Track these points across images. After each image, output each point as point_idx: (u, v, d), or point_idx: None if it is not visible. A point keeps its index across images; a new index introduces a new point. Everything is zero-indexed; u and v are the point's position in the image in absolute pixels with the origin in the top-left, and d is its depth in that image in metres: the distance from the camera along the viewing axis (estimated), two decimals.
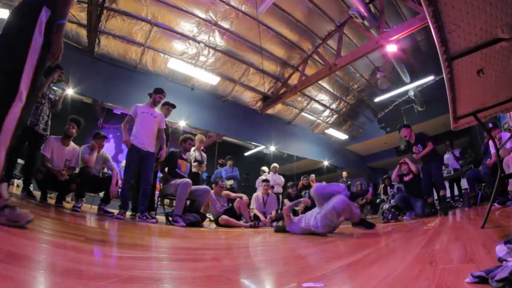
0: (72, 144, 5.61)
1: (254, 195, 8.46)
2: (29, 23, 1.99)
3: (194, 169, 7.19)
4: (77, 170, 5.66)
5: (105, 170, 6.56)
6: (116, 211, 5.38)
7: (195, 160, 7.30)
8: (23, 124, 2.04)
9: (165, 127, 5.93)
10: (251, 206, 8.08)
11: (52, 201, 5.60)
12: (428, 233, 3.13)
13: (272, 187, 9.53)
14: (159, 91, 5.87)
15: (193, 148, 7.30)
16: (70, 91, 8.69)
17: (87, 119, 5.85)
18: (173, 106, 6.53)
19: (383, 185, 10.58)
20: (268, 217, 7.76)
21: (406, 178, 7.42)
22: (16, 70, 1.91)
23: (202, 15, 9.50)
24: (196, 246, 2.77)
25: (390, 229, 4.66)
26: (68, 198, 6.99)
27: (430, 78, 11.65)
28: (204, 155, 7.76)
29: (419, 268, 1.32)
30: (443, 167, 8.43)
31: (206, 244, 2.96)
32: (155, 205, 6.63)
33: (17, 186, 7.00)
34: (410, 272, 1.29)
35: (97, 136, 5.87)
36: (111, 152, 12.91)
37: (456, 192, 9.18)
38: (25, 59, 1.94)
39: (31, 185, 5.40)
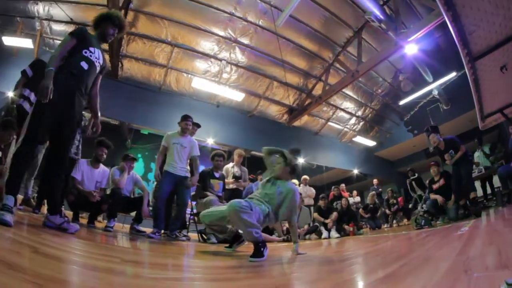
0: (102, 166, 5.72)
1: None
2: None
3: (232, 185, 7.14)
4: (108, 191, 5.77)
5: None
6: (148, 230, 5.45)
7: (233, 176, 7.26)
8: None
9: (198, 154, 5.90)
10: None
11: (84, 221, 5.72)
12: (462, 239, 3.05)
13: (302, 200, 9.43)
14: (184, 118, 5.84)
15: (231, 164, 7.29)
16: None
17: (115, 140, 5.96)
18: (198, 126, 6.58)
19: (408, 178, 10.35)
20: (301, 229, 7.70)
21: (435, 186, 7.20)
22: None
23: (221, 33, 9.66)
24: (229, 264, 2.77)
25: (423, 235, 4.55)
26: (100, 218, 7.11)
27: (453, 74, 11.32)
28: (245, 169, 7.68)
29: (454, 277, 1.29)
30: (474, 166, 8.12)
31: (239, 261, 2.96)
32: (187, 223, 6.67)
33: None
34: (445, 282, 1.27)
35: (127, 158, 5.98)
36: (140, 171, 13.15)
37: (488, 191, 8.82)
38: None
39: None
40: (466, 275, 1.29)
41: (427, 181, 7.79)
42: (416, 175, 10.34)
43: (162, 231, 5.68)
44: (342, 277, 1.94)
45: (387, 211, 10.57)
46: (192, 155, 5.76)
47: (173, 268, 2.28)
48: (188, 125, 5.83)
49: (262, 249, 2.85)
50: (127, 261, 2.24)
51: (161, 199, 5.45)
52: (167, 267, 2.25)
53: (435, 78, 11.90)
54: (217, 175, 6.27)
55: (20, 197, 5.14)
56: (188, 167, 5.80)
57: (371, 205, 10.56)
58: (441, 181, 7.09)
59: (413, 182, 10.16)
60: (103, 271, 1.64)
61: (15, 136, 4.67)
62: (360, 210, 10.84)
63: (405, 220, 10.19)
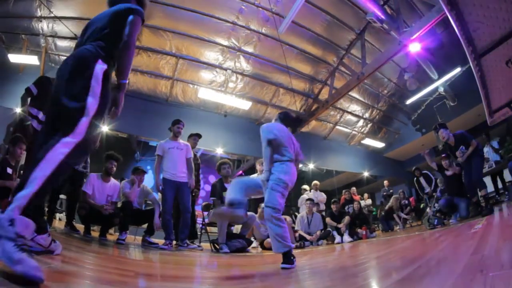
0: (112, 180, 5.76)
1: (299, 216, 8.37)
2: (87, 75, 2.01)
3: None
4: (119, 204, 5.80)
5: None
6: (160, 241, 5.47)
7: None
8: (69, 164, 1.79)
9: (192, 156, 5.99)
10: (296, 227, 7.99)
11: (95, 234, 5.75)
12: (476, 237, 3.01)
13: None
14: (175, 123, 6.01)
15: (255, 175, 7.20)
16: (105, 128, 9.05)
17: (124, 153, 6.02)
18: (199, 136, 6.64)
19: (415, 178, 10.18)
20: (313, 235, 7.65)
21: (448, 173, 7.07)
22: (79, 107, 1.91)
23: (225, 43, 9.71)
24: (243, 273, 2.76)
25: (437, 235, 4.50)
26: (111, 230, 7.14)
27: (457, 70, 11.20)
28: None
29: (470, 278, 1.27)
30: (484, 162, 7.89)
31: (254, 270, 2.95)
32: (199, 233, 6.67)
33: (59, 219, 7.22)
34: (461, 283, 1.25)
35: (137, 171, 6.01)
36: (149, 183, 13.17)
37: (500, 185, 8.62)
38: (86, 101, 1.94)
39: (74, 219, 5.58)
40: (481, 275, 1.27)
41: (438, 169, 7.60)
42: (424, 171, 10.17)
43: (174, 242, 5.69)
44: (356, 283, 1.92)
45: (400, 213, 10.33)
46: (186, 157, 5.85)
47: (186, 280, 2.28)
48: (180, 128, 5.95)
49: (292, 258, 2.82)
50: (141, 274, 2.24)
51: (168, 211, 5.49)
52: (180, 279, 2.24)
53: (440, 75, 11.78)
54: (227, 186, 6.24)
55: None
56: (186, 170, 5.83)
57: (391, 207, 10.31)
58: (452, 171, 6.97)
59: (421, 179, 10.00)
60: (117, 285, 1.65)
61: (24, 152, 4.72)
62: (395, 215, 10.43)
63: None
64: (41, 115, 4.87)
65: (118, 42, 2.29)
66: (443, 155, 7.32)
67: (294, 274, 2.54)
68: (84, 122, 1.89)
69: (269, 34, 9.67)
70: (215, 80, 10.73)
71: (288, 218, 7.61)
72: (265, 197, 3.02)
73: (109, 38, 2.27)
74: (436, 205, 7.18)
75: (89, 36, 2.30)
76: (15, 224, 1.41)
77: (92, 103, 1.95)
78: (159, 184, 5.59)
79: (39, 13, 8.19)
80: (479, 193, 6.15)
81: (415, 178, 10.23)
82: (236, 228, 6.66)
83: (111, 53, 2.25)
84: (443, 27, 10.23)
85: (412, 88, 12.21)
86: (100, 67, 2.08)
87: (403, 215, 10.10)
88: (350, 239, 7.83)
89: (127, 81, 2.41)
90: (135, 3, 2.62)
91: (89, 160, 5.91)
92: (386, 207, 10.45)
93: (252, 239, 7.25)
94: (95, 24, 2.36)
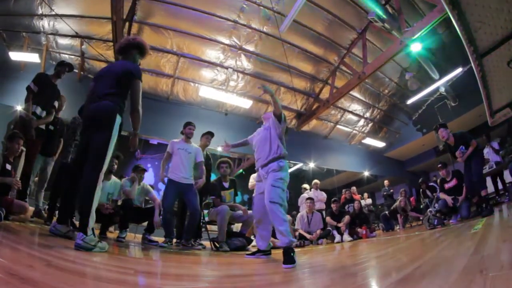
0: (113, 178, 5.77)
1: (299, 215, 8.36)
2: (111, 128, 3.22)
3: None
4: (119, 202, 5.80)
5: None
6: (160, 239, 5.47)
7: None
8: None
9: (202, 160, 5.91)
10: (296, 226, 7.98)
11: (95, 231, 5.75)
12: (476, 237, 3.01)
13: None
14: (187, 124, 5.93)
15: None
16: None
17: (124, 151, 6.00)
18: (212, 134, 6.60)
19: (421, 189, 10.18)
20: (313, 234, 7.65)
21: (448, 186, 7.07)
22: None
23: (226, 41, 9.70)
24: (244, 272, 2.76)
25: (437, 235, 4.50)
26: (111, 228, 7.13)
27: (459, 70, 11.18)
28: None
29: (470, 278, 1.27)
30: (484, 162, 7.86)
31: (254, 269, 2.95)
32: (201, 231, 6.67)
33: None
34: (461, 283, 1.25)
35: (137, 169, 6.02)
36: (150, 181, 13.23)
37: (500, 186, 8.59)
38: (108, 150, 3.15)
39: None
40: (481, 276, 1.28)
41: (439, 180, 7.64)
42: (430, 184, 10.17)
43: (174, 240, 5.69)
44: (355, 282, 1.92)
45: (410, 213, 10.25)
46: (196, 162, 5.79)
47: (186, 277, 2.27)
48: (191, 129, 5.89)
49: (292, 254, 2.86)
50: (141, 272, 2.24)
51: (167, 209, 5.48)
52: (180, 278, 2.24)
53: (441, 75, 11.78)
54: (226, 185, 6.24)
55: (31, 209, 5.19)
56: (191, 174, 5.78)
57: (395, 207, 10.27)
58: (453, 181, 6.95)
59: (427, 190, 10.00)
60: (117, 283, 1.64)
61: (23, 148, 4.73)
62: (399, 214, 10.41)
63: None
64: (39, 110, 4.93)
65: (125, 98, 3.47)
66: (439, 165, 7.31)
67: (294, 272, 2.54)
68: (107, 158, 3.17)
69: (270, 33, 9.67)
70: (216, 79, 10.73)
71: (288, 216, 7.59)
72: None
73: (119, 95, 3.38)
74: (436, 205, 7.17)
75: (102, 90, 3.31)
76: None
77: (112, 145, 3.21)
78: (163, 177, 5.62)
79: (40, 11, 8.22)
80: (481, 193, 6.12)
81: (420, 189, 10.22)
82: (236, 227, 6.68)
83: (123, 106, 3.45)
84: (444, 27, 10.23)
85: (413, 88, 12.21)
86: (119, 120, 3.35)
87: (413, 214, 10.02)
88: (350, 238, 7.84)
89: (138, 131, 3.66)
90: (136, 57, 3.72)
91: None
92: (393, 207, 10.38)
93: (252, 237, 7.25)
94: (108, 78, 3.39)
